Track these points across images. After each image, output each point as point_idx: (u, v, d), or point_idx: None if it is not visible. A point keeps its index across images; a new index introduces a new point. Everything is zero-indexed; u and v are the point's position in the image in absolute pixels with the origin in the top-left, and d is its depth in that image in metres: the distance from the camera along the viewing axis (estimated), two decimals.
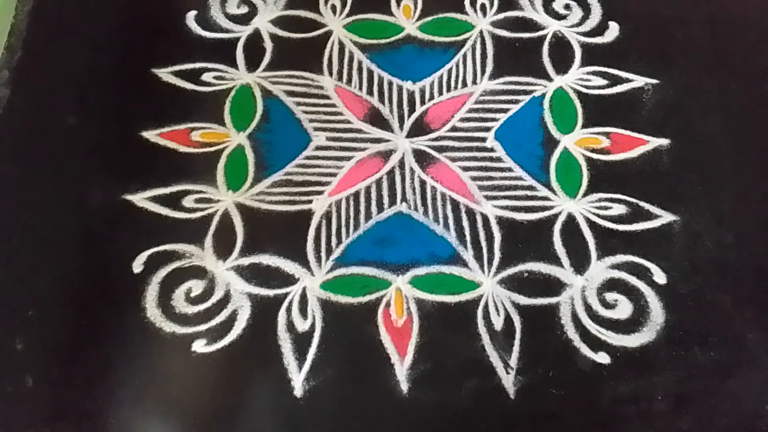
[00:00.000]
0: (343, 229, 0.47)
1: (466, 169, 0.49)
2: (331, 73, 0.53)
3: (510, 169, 0.49)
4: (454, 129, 0.51)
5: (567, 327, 0.43)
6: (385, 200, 0.48)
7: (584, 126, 0.51)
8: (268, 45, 0.54)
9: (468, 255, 0.46)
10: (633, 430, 0.40)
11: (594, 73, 0.53)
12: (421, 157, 0.50)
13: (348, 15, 0.56)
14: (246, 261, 0.45)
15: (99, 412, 0.40)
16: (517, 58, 0.54)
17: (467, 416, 0.41)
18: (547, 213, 0.47)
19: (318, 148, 0.50)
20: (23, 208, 0.47)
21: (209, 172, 0.49)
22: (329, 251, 0.46)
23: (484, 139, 0.51)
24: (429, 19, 0.56)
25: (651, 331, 0.43)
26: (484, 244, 0.46)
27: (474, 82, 0.53)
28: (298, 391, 0.41)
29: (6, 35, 0.53)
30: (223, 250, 0.46)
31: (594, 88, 0.53)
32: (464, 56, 0.54)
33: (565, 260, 0.46)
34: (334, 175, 0.49)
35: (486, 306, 0.44)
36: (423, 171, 0.49)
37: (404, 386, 0.41)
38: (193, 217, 0.47)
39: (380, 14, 0.56)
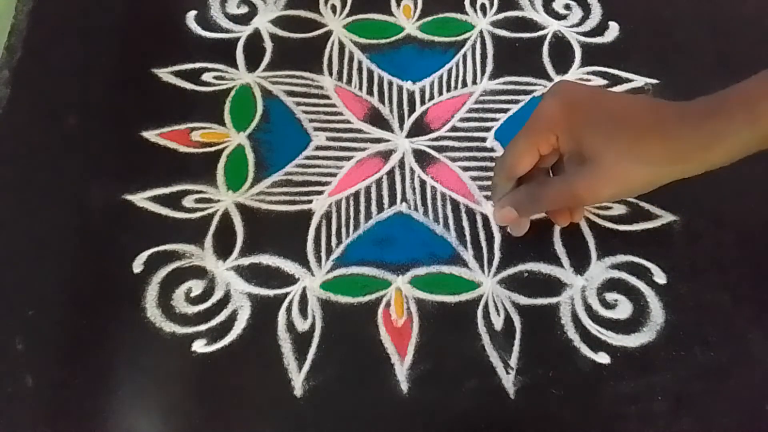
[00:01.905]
0: (343, 229, 0.47)
1: (466, 169, 0.49)
2: (331, 73, 0.53)
3: None
4: (454, 129, 0.51)
5: (567, 327, 0.43)
6: (385, 200, 0.48)
7: None
8: (268, 45, 0.54)
9: (468, 255, 0.46)
10: (633, 430, 0.40)
11: (594, 73, 0.53)
12: (421, 157, 0.50)
13: (348, 15, 0.56)
14: (246, 261, 0.45)
15: (99, 412, 0.40)
16: (517, 58, 0.54)
17: (467, 416, 0.41)
18: None
19: (318, 148, 0.50)
20: (23, 208, 0.47)
21: (209, 172, 0.49)
22: (329, 251, 0.46)
23: (484, 139, 0.51)
24: (429, 19, 0.56)
25: (651, 331, 0.43)
26: (484, 244, 0.46)
27: (474, 82, 0.53)
28: (298, 391, 0.41)
29: (6, 35, 0.53)
30: (223, 250, 0.46)
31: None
32: (464, 56, 0.54)
33: (565, 260, 0.46)
34: (334, 175, 0.49)
35: (486, 306, 0.44)
36: (423, 171, 0.49)
37: (404, 386, 0.41)
38: (193, 217, 0.47)
39: (380, 14, 0.57)
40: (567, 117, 0.39)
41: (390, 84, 0.53)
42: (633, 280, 0.45)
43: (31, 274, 0.44)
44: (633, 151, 0.37)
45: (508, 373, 0.42)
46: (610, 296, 0.45)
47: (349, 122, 0.51)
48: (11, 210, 0.47)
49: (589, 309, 0.44)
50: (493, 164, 0.49)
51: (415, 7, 0.57)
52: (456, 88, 0.53)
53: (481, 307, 0.44)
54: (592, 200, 0.39)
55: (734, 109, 0.36)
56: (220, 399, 0.41)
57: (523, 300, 0.44)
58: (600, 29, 0.56)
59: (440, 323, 0.43)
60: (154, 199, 0.47)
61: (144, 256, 0.45)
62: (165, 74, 0.52)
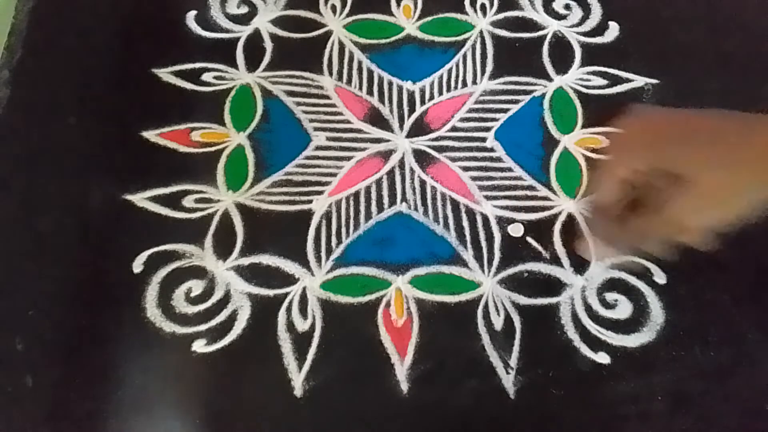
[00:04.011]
0: (343, 229, 0.47)
1: (466, 169, 0.49)
2: (331, 73, 0.53)
3: (510, 169, 0.49)
4: (454, 129, 0.51)
5: (567, 327, 0.43)
6: (385, 200, 0.48)
7: (584, 126, 0.51)
8: (268, 45, 0.54)
9: (468, 255, 0.46)
10: (633, 430, 0.40)
11: (594, 73, 0.53)
12: (421, 157, 0.50)
13: (348, 15, 0.56)
14: (246, 261, 0.45)
15: (99, 412, 0.40)
16: (517, 58, 0.54)
17: (467, 416, 0.41)
18: (547, 213, 0.47)
19: (318, 148, 0.50)
20: (23, 208, 0.47)
21: (209, 172, 0.49)
22: (329, 251, 0.46)
23: (484, 139, 0.51)
24: (429, 19, 0.56)
25: (651, 331, 0.43)
26: (484, 244, 0.46)
27: (474, 82, 0.53)
28: (298, 391, 0.41)
29: (6, 35, 0.53)
30: (223, 250, 0.46)
31: (594, 88, 0.53)
32: (464, 56, 0.54)
33: (565, 260, 0.46)
34: (334, 175, 0.49)
35: (486, 306, 0.44)
36: (423, 171, 0.49)
37: (404, 386, 0.41)
38: (193, 217, 0.47)
39: (380, 14, 0.56)
40: (647, 142, 0.35)
41: (390, 84, 0.53)
42: (633, 280, 0.45)
43: (31, 274, 0.44)
44: (725, 160, 0.33)
45: (508, 373, 0.42)
46: (610, 296, 0.45)
47: (349, 122, 0.51)
48: (11, 210, 0.47)
49: (589, 309, 0.44)
50: (492, 164, 0.50)
51: (415, 7, 0.57)
52: (456, 88, 0.53)
53: (481, 307, 0.44)
54: (695, 224, 0.35)
55: None
56: (220, 399, 0.41)
57: (523, 300, 0.44)
58: (600, 29, 0.56)
59: (440, 323, 0.43)
60: (154, 199, 0.47)
61: (144, 256, 0.45)
62: (165, 74, 0.52)
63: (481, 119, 0.52)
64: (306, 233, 0.46)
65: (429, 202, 0.48)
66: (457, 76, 0.53)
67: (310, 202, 0.48)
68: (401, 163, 0.50)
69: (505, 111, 0.52)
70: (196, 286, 0.44)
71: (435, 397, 0.41)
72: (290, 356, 0.42)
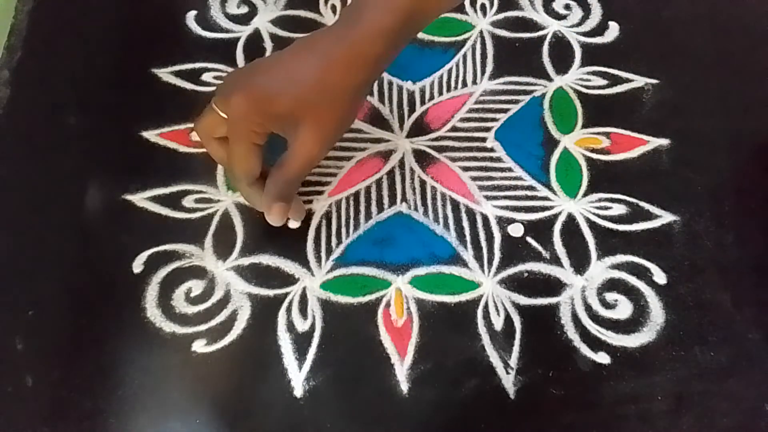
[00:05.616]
0: (343, 229, 0.47)
1: (466, 169, 0.49)
2: None
3: (510, 169, 0.49)
4: (454, 129, 0.51)
5: (567, 327, 0.43)
6: (385, 200, 0.48)
7: (584, 126, 0.51)
8: (268, 45, 0.54)
9: (468, 255, 0.46)
10: (633, 430, 0.40)
11: (594, 73, 0.53)
12: (421, 157, 0.50)
13: None
14: (246, 261, 0.45)
15: (99, 412, 0.40)
16: (517, 58, 0.54)
17: (467, 416, 0.41)
18: (547, 213, 0.47)
19: None
20: (23, 208, 0.47)
21: (209, 172, 0.49)
22: (329, 251, 0.46)
23: (484, 139, 0.51)
24: None
25: (651, 331, 0.43)
26: (484, 244, 0.46)
27: (474, 82, 0.53)
28: (298, 391, 0.41)
29: (6, 35, 0.53)
30: (223, 250, 0.46)
31: (594, 88, 0.53)
32: (464, 56, 0.54)
33: (565, 260, 0.46)
34: (334, 175, 0.49)
35: (486, 306, 0.44)
36: (423, 171, 0.49)
37: (404, 386, 0.41)
38: (193, 217, 0.47)
39: None
40: (255, 107, 0.39)
41: (390, 84, 0.53)
42: (633, 280, 0.45)
43: (31, 274, 0.44)
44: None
45: (508, 373, 0.42)
46: (610, 296, 0.45)
47: None
48: (11, 210, 0.47)
49: (589, 309, 0.44)
50: (492, 164, 0.50)
51: None
52: (456, 88, 0.53)
53: (481, 307, 0.44)
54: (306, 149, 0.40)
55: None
56: (220, 399, 0.41)
57: (523, 300, 0.44)
58: (600, 29, 0.56)
59: (440, 323, 0.43)
60: (154, 199, 0.47)
61: (144, 256, 0.45)
62: (165, 74, 0.52)
63: (481, 119, 0.52)
64: (306, 233, 0.46)
65: (429, 202, 0.48)
66: (457, 76, 0.53)
67: (310, 202, 0.48)
68: (401, 163, 0.50)
69: (505, 111, 0.52)
70: (196, 286, 0.44)
71: (435, 397, 0.41)
72: (290, 356, 0.42)
